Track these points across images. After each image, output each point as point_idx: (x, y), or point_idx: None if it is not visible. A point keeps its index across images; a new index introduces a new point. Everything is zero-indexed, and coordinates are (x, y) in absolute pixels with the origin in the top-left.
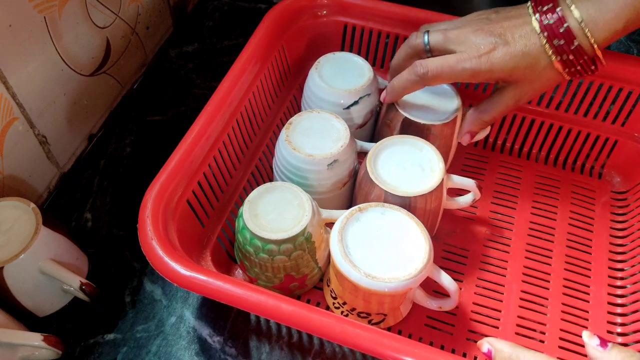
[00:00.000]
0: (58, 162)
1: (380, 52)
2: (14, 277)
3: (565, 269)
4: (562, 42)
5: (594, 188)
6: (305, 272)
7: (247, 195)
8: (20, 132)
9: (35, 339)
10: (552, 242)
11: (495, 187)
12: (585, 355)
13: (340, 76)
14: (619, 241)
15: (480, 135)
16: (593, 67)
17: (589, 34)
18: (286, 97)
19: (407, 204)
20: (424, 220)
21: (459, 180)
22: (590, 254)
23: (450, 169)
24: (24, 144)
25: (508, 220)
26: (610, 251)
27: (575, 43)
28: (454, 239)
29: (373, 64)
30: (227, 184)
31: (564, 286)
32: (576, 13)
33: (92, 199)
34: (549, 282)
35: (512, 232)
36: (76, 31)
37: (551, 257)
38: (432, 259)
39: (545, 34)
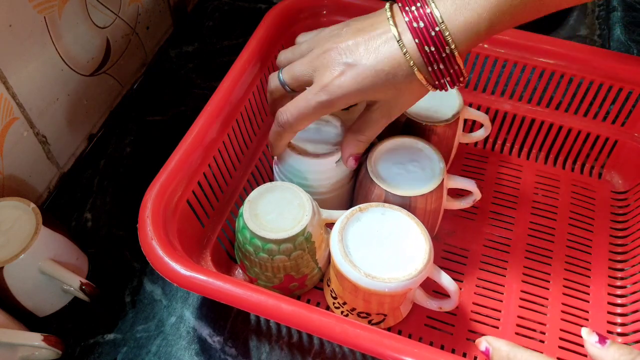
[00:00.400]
0: (58, 162)
1: None
2: (14, 277)
3: (565, 269)
4: (433, 48)
5: (594, 188)
6: (305, 272)
7: (247, 195)
8: (20, 132)
9: (35, 339)
10: (552, 242)
11: (495, 187)
12: (585, 355)
13: None
14: (619, 241)
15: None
16: (462, 79)
17: (449, 38)
18: None
19: (407, 204)
20: (424, 220)
21: (460, 181)
22: (590, 254)
23: (451, 169)
24: (24, 144)
25: (508, 220)
26: (610, 251)
27: (448, 50)
28: (454, 239)
29: None
30: (227, 184)
31: (564, 286)
32: (436, 12)
33: (92, 199)
34: (549, 282)
35: (512, 232)
36: (76, 31)
37: (551, 257)
38: (432, 259)
39: (416, 41)
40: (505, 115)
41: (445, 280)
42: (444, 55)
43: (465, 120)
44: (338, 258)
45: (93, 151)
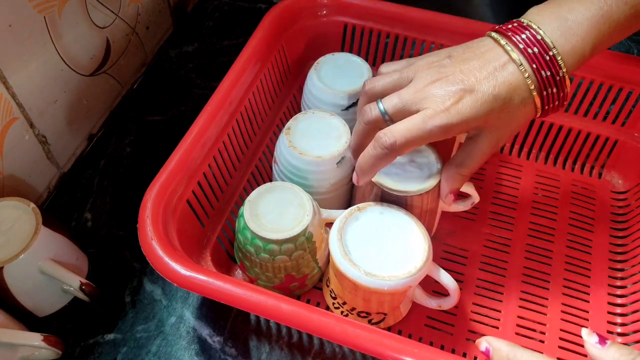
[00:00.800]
0: (58, 162)
1: (380, 52)
2: (14, 277)
3: (565, 269)
4: (548, 73)
5: (594, 188)
6: (306, 272)
7: (247, 195)
8: (20, 132)
9: (35, 339)
10: (552, 242)
11: (495, 187)
12: (585, 355)
13: (339, 77)
14: (619, 241)
15: (464, 190)
16: (565, 103)
17: (561, 62)
18: (286, 97)
19: (404, 202)
20: (421, 220)
21: None
22: (590, 254)
23: None
24: (24, 144)
25: (508, 220)
26: (610, 251)
27: (561, 73)
28: (453, 239)
29: (373, 64)
30: (227, 184)
31: (564, 286)
32: (547, 38)
33: (92, 199)
34: (549, 282)
35: (512, 232)
36: (76, 31)
37: (551, 257)
38: (432, 257)
39: (534, 65)
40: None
41: (445, 278)
42: (557, 78)
43: None
44: (337, 257)
45: (93, 151)
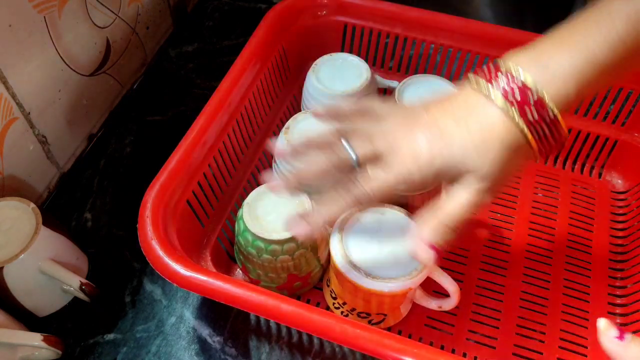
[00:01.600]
0: (58, 162)
1: (380, 52)
2: (14, 277)
3: (565, 269)
4: (535, 115)
5: (594, 188)
6: (308, 270)
7: (247, 195)
8: (20, 132)
9: (35, 339)
10: (552, 242)
11: None
12: (585, 355)
13: (338, 77)
14: (619, 241)
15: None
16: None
17: (550, 103)
18: (286, 97)
19: (405, 202)
20: None
21: None
22: (590, 254)
23: None
24: (24, 144)
25: (508, 220)
26: (610, 251)
27: (551, 114)
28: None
29: (373, 64)
30: (227, 184)
31: (564, 286)
32: (529, 80)
33: (92, 199)
34: (549, 282)
35: (512, 232)
36: (76, 31)
37: (551, 257)
38: None
39: (514, 108)
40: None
41: (445, 280)
42: (547, 120)
43: None
44: (338, 258)
45: (93, 151)
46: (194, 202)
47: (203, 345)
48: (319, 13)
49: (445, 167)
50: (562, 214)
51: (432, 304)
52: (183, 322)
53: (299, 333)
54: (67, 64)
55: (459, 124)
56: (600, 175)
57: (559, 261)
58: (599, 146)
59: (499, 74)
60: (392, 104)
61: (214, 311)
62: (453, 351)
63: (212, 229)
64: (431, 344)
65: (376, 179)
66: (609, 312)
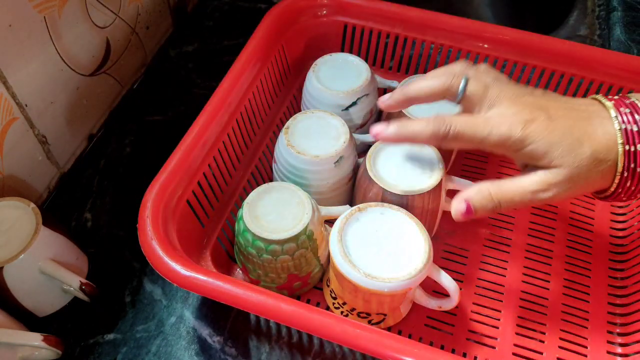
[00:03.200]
0: (58, 162)
1: (380, 52)
2: (14, 277)
3: (565, 269)
4: (636, 149)
5: None
6: (308, 270)
7: (247, 195)
8: (20, 132)
9: (35, 339)
10: (552, 242)
11: None
12: (585, 356)
13: (337, 77)
14: (619, 241)
15: (482, 214)
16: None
17: None
18: (286, 97)
19: (405, 202)
20: (421, 220)
21: (460, 182)
22: (590, 254)
23: (451, 171)
24: (24, 144)
25: (508, 220)
26: (610, 251)
27: None
28: (454, 239)
29: (373, 64)
30: (227, 184)
31: (564, 286)
32: None
33: (92, 199)
34: (549, 282)
35: (512, 232)
36: (76, 31)
37: (551, 257)
38: (432, 258)
39: (622, 133)
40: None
41: (445, 280)
42: None
43: None
44: (338, 258)
45: (93, 151)
46: (194, 202)
47: (203, 345)
48: (319, 13)
49: (534, 149)
50: (562, 214)
51: (432, 304)
52: (183, 322)
53: (299, 333)
54: (67, 64)
55: (569, 118)
56: None
57: (559, 261)
58: None
59: (626, 100)
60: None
61: (214, 311)
62: (453, 351)
63: (212, 229)
64: (431, 344)
65: (465, 121)
66: (609, 312)
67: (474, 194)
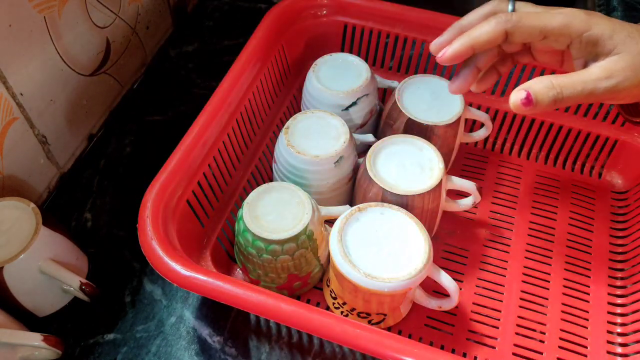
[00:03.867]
0: (58, 162)
1: (380, 52)
2: (14, 277)
3: (565, 269)
4: None
5: (594, 188)
6: (308, 270)
7: (247, 195)
8: (20, 132)
9: (35, 339)
10: (552, 242)
11: (495, 187)
12: (585, 356)
13: (337, 77)
14: (619, 241)
15: (543, 104)
16: None
17: None
18: (286, 97)
19: (405, 202)
20: (421, 220)
21: (459, 182)
22: (590, 254)
23: (451, 170)
24: (24, 144)
25: (508, 220)
26: (610, 251)
27: None
28: (454, 239)
29: (373, 64)
30: (227, 184)
31: (564, 286)
32: None
33: (92, 199)
34: (549, 282)
35: (512, 232)
36: (76, 31)
37: (551, 257)
38: (432, 258)
39: None
40: (505, 115)
41: (445, 280)
42: None
43: (466, 120)
44: (338, 258)
45: (93, 151)
46: (194, 202)
47: (203, 345)
48: (319, 13)
49: (598, 31)
50: (562, 214)
51: (432, 304)
52: (183, 322)
53: (299, 333)
54: (67, 64)
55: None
56: (600, 175)
57: (559, 261)
58: (599, 146)
59: None
60: None
61: (214, 311)
62: (453, 351)
63: (212, 229)
64: (431, 344)
65: (525, 11)
66: (609, 312)
67: (534, 83)
